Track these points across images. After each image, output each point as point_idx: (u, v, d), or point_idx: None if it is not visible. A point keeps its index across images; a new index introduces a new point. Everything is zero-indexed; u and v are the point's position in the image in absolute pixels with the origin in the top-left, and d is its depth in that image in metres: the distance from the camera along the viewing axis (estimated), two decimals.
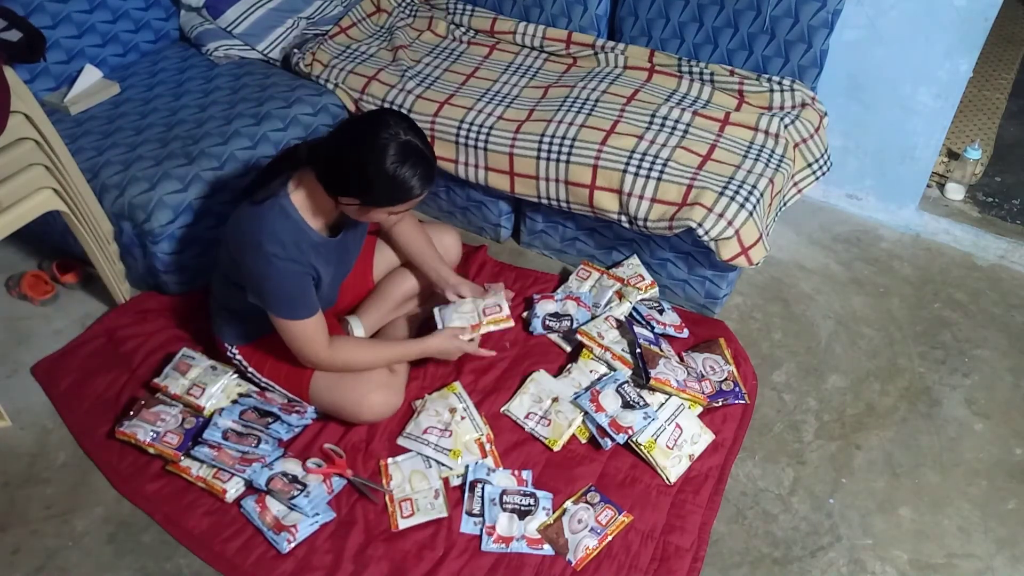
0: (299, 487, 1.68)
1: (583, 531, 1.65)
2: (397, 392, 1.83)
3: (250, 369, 1.84)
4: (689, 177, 1.97)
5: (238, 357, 1.84)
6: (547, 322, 2.06)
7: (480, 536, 1.66)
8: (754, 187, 1.95)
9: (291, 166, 1.60)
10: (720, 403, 1.90)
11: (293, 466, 1.73)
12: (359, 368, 1.75)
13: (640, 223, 2.02)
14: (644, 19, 2.33)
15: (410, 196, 1.52)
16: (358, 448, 1.82)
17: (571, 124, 2.10)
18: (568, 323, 2.05)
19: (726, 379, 1.94)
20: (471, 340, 1.85)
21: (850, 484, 1.81)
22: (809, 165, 2.21)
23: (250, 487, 1.71)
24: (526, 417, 1.88)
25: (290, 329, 1.61)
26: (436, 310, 1.90)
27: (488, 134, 2.15)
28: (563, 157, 2.06)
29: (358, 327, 1.91)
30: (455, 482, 1.76)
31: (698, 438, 1.82)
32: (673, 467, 1.77)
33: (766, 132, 2.11)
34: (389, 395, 1.79)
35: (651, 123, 2.11)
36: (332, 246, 1.67)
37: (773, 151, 2.06)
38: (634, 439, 1.77)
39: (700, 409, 1.88)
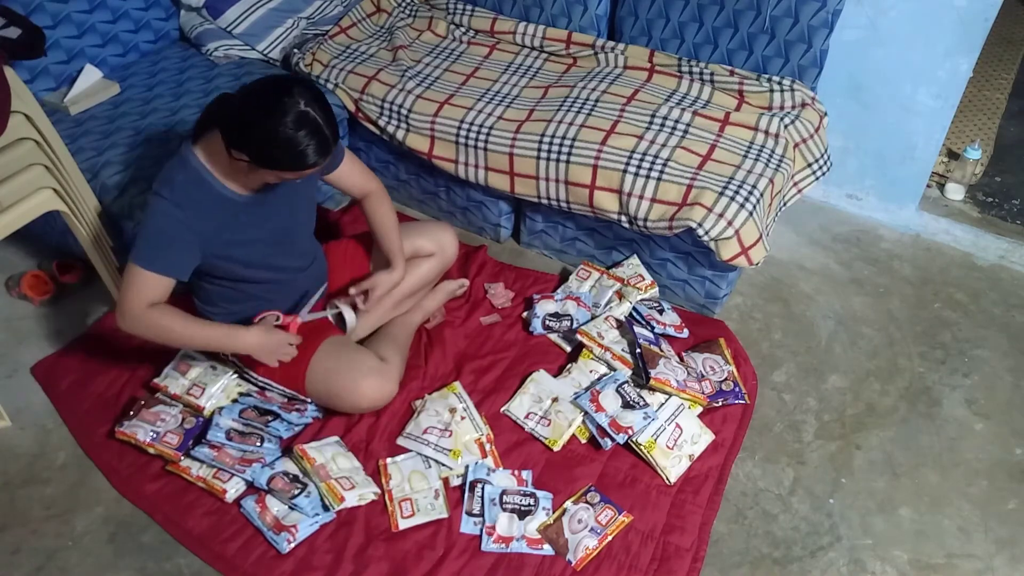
0: (299, 486, 1.68)
1: (583, 531, 1.65)
2: (390, 379, 1.82)
3: (244, 368, 1.84)
4: (689, 177, 1.97)
5: (232, 357, 1.84)
6: (547, 322, 2.06)
7: (480, 536, 1.66)
8: (754, 187, 1.95)
9: (207, 122, 1.58)
10: (720, 403, 1.90)
11: (293, 465, 1.73)
12: (164, 341, 1.62)
13: (640, 223, 2.02)
14: (644, 19, 2.33)
15: (299, 165, 1.48)
16: (358, 448, 1.82)
17: (571, 124, 2.10)
18: (568, 323, 2.05)
19: (726, 379, 1.94)
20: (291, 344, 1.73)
21: (850, 484, 1.81)
22: (809, 165, 2.21)
23: (251, 487, 1.71)
24: (526, 417, 1.88)
25: (130, 273, 1.54)
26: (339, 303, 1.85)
27: (488, 134, 2.15)
28: (563, 157, 2.06)
29: (348, 313, 1.84)
30: (455, 482, 1.76)
31: (698, 438, 1.82)
32: (673, 467, 1.77)
33: (766, 132, 2.11)
34: (382, 382, 1.79)
35: (651, 123, 2.11)
36: (260, 201, 1.63)
37: (773, 151, 2.06)
38: (634, 439, 1.77)
39: (700, 409, 1.88)
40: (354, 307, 1.84)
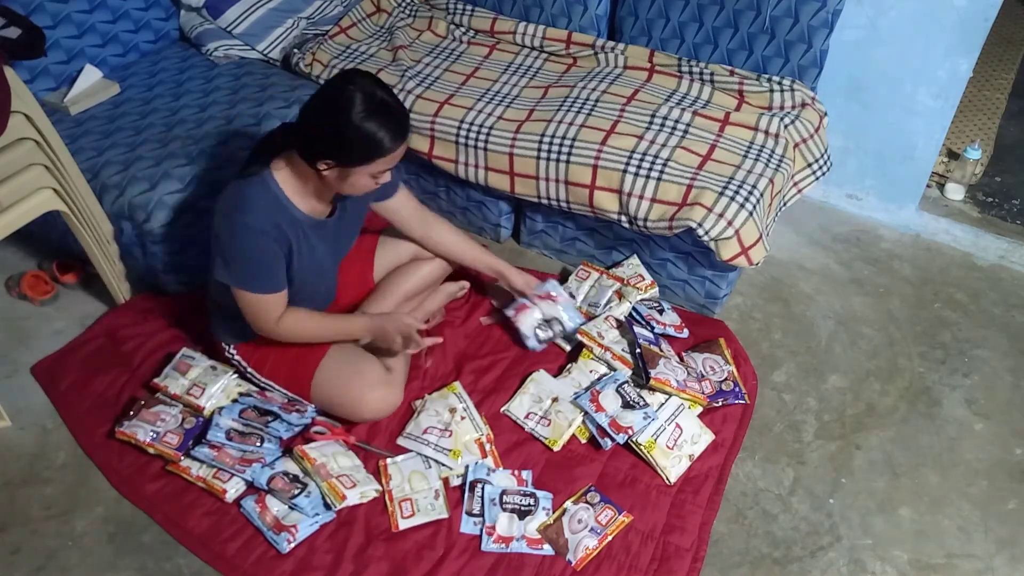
0: (300, 486, 1.68)
1: (583, 531, 1.65)
2: (395, 390, 1.83)
3: (249, 369, 1.84)
4: (689, 177, 1.97)
5: (236, 357, 1.84)
6: (539, 335, 2.02)
7: (480, 536, 1.66)
8: (754, 187, 1.95)
9: (275, 147, 1.61)
10: (720, 403, 1.90)
11: (294, 465, 1.73)
12: (305, 340, 1.73)
13: (640, 223, 2.02)
14: (644, 19, 2.33)
15: (382, 150, 1.50)
16: (358, 448, 1.81)
17: (571, 124, 2.10)
18: (559, 327, 2.02)
19: (726, 379, 1.94)
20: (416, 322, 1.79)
21: (850, 484, 1.81)
22: (809, 165, 2.21)
23: (250, 486, 1.71)
24: (526, 417, 1.88)
25: (247, 299, 1.60)
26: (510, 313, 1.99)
27: (488, 134, 2.15)
28: (563, 157, 2.06)
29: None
30: (455, 482, 1.76)
31: (698, 438, 1.82)
32: (673, 467, 1.77)
33: (766, 132, 2.11)
34: (388, 392, 1.80)
35: (651, 123, 2.11)
36: (321, 226, 1.67)
37: (773, 151, 2.06)
38: (634, 439, 1.77)
39: (700, 409, 1.88)
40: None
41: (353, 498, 1.68)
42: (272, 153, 1.60)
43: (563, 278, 2.26)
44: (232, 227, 1.55)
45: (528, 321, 2.01)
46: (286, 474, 1.69)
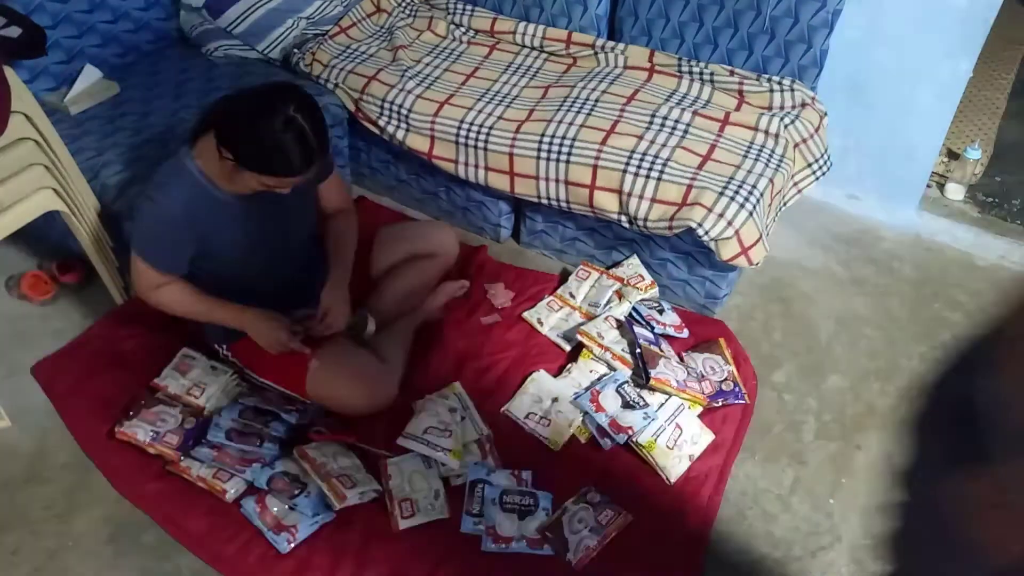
0: (300, 487, 1.68)
1: (583, 531, 1.65)
2: (390, 382, 1.84)
3: (245, 369, 1.84)
4: (689, 177, 1.97)
5: (232, 358, 1.84)
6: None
7: (480, 536, 1.66)
8: (754, 187, 1.95)
9: (204, 125, 1.59)
10: (720, 403, 1.90)
11: (294, 466, 1.73)
12: (174, 313, 1.75)
13: (640, 223, 2.02)
14: (644, 19, 2.33)
15: (280, 171, 1.49)
16: (358, 448, 1.81)
17: (571, 124, 2.10)
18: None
19: (726, 379, 1.94)
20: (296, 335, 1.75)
21: (850, 484, 1.81)
22: (809, 165, 2.21)
23: (250, 487, 1.71)
24: (526, 417, 1.88)
25: (135, 262, 1.64)
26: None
27: (488, 134, 2.15)
28: (563, 157, 2.06)
29: (371, 323, 1.91)
30: (455, 482, 1.76)
31: (698, 438, 1.82)
32: (673, 467, 1.77)
33: (766, 132, 2.11)
34: (382, 384, 1.81)
35: (651, 123, 2.11)
36: (250, 199, 1.63)
37: (773, 151, 2.06)
38: (634, 439, 1.77)
39: (700, 409, 1.88)
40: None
41: (353, 498, 1.68)
42: (199, 131, 1.59)
43: (563, 278, 2.26)
44: (142, 200, 1.60)
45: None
46: (286, 474, 1.69)
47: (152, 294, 1.68)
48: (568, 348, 2.06)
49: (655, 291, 2.16)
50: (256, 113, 1.46)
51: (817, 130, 2.17)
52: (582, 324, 2.03)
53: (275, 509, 1.66)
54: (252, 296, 1.75)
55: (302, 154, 1.48)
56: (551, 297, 2.18)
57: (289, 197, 1.69)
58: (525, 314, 2.14)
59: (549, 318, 2.12)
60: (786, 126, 2.13)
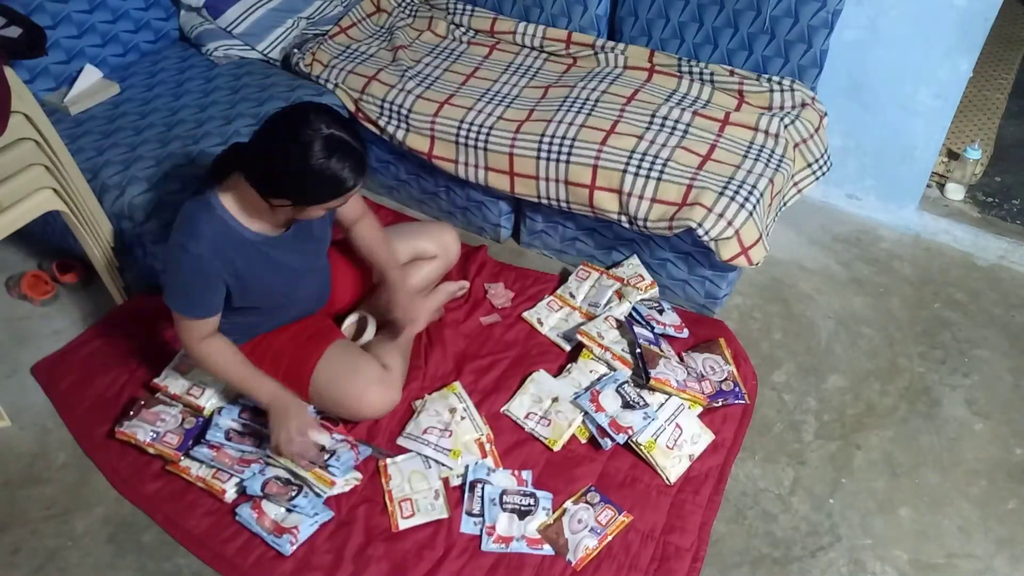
0: (295, 487, 1.68)
1: (583, 531, 1.65)
2: (393, 388, 1.83)
3: None
4: (689, 177, 1.97)
5: None
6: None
7: (480, 536, 1.66)
8: (754, 187, 1.95)
9: (225, 169, 1.57)
10: (720, 403, 1.90)
11: (281, 469, 1.72)
12: (213, 371, 1.68)
13: (640, 223, 2.02)
14: (644, 19, 2.33)
15: (342, 191, 1.47)
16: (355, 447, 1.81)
17: (571, 124, 2.10)
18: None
19: (726, 379, 1.94)
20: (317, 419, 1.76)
21: (850, 484, 1.81)
22: (809, 165, 2.21)
23: (243, 495, 1.71)
24: (526, 417, 1.88)
25: (175, 315, 1.62)
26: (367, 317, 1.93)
27: (488, 134, 2.15)
28: (563, 157, 2.06)
29: (372, 326, 1.93)
30: (455, 482, 1.76)
31: (698, 438, 1.82)
32: (673, 467, 1.77)
33: (766, 132, 2.11)
34: (385, 390, 1.80)
35: (651, 123, 2.11)
36: (279, 240, 1.64)
37: (773, 151, 2.06)
38: (634, 439, 1.77)
39: (700, 409, 1.88)
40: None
41: (340, 484, 1.70)
42: (221, 175, 1.57)
43: (563, 278, 2.26)
44: (172, 248, 1.55)
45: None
46: (278, 478, 1.69)
47: (198, 347, 1.64)
48: (568, 348, 2.06)
49: (655, 291, 2.16)
50: (294, 151, 1.41)
51: (817, 130, 2.17)
52: (582, 324, 2.03)
53: (273, 514, 1.66)
54: (278, 318, 1.78)
55: (355, 165, 1.46)
56: (551, 297, 2.18)
57: (316, 222, 1.70)
58: (525, 314, 2.14)
59: (549, 318, 2.12)
60: (786, 126, 2.13)
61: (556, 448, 1.82)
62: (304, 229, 1.69)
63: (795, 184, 2.21)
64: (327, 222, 1.79)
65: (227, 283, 1.59)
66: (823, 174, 2.24)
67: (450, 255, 2.06)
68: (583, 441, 1.84)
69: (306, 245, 1.73)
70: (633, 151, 2.02)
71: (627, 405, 1.81)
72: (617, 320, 2.02)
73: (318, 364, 1.78)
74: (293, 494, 1.66)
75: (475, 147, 2.17)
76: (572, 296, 2.17)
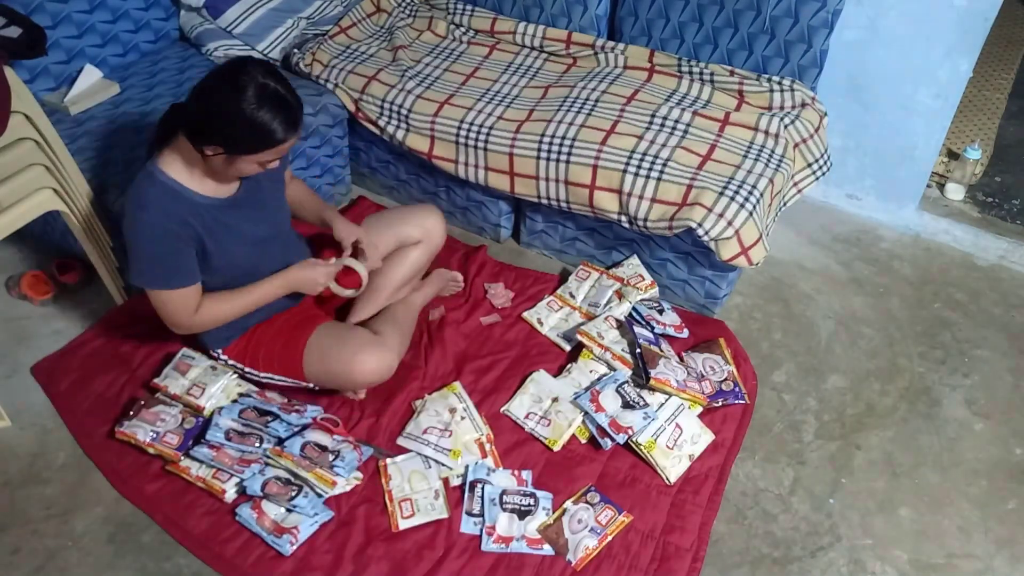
0: (295, 488, 1.68)
1: (583, 531, 1.65)
2: (387, 351, 1.78)
3: (246, 369, 1.84)
4: (689, 177, 1.97)
5: (230, 361, 1.84)
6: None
7: (480, 536, 1.66)
8: (754, 187, 1.95)
9: (165, 135, 1.57)
10: (720, 403, 1.90)
11: (281, 470, 1.73)
12: (224, 320, 1.68)
13: (640, 223, 2.02)
14: (644, 19, 2.33)
15: (272, 141, 1.47)
16: (358, 448, 1.81)
17: (571, 124, 2.10)
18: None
19: (726, 379, 1.94)
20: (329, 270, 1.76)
21: (850, 484, 1.81)
22: (809, 165, 2.21)
23: (243, 495, 1.71)
24: (526, 417, 1.88)
25: (161, 298, 1.58)
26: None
27: (488, 134, 2.15)
28: (563, 157, 2.06)
29: (360, 267, 1.87)
30: (455, 482, 1.76)
31: (698, 438, 1.82)
32: (673, 467, 1.77)
33: (766, 132, 2.11)
34: (380, 354, 1.76)
35: (651, 123, 2.11)
36: (233, 203, 1.63)
37: (773, 151, 2.06)
38: (634, 439, 1.77)
39: (700, 409, 1.88)
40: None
41: (342, 483, 1.70)
42: (162, 142, 1.56)
43: (563, 278, 2.26)
44: (132, 226, 1.54)
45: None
46: (278, 478, 1.69)
47: (194, 320, 1.62)
48: (568, 348, 2.06)
49: (655, 291, 2.16)
50: (226, 97, 1.43)
51: (817, 130, 2.17)
52: (582, 324, 2.03)
53: (273, 514, 1.66)
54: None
55: (287, 118, 1.47)
56: (551, 297, 2.18)
57: (265, 186, 1.69)
58: (525, 314, 2.14)
59: (549, 318, 2.12)
60: (786, 126, 2.13)
61: (556, 448, 1.82)
62: (254, 195, 1.68)
63: (795, 184, 2.21)
64: (277, 188, 1.78)
65: (192, 248, 1.57)
66: (823, 174, 2.24)
67: (434, 239, 2.01)
68: (583, 441, 1.85)
69: (262, 213, 1.71)
70: (633, 151, 2.02)
71: (627, 405, 1.81)
72: (617, 320, 2.02)
73: (308, 340, 1.76)
74: (293, 494, 1.66)
75: (475, 147, 2.17)
76: (572, 296, 2.17)
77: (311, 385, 1.82)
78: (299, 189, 1.90)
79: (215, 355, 1.85)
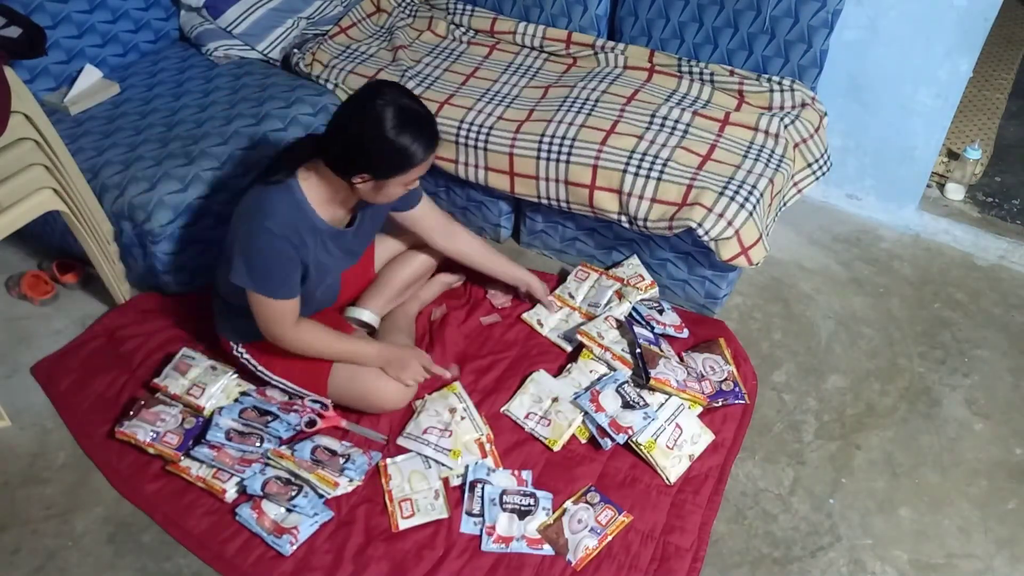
0: (296, 487, 1.68)
1: (583, 531, 1.65)
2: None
3: (260, 368, 1.84)
4: (689, 177, 1.97)
5: (245, 356, 1.84)
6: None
7: (480, 536, 1.66)
8: (754, 187, 1.95)
9: (301, 156, 1.62)
10: (720, 403, 1.90)
11: (282, 468, 1.73)
12: (313, 353, 1.74)
13: (640, 223, 2.02)
14: (644, 19, 2.33)
15: (416, 160, 1.54)
16: (367, 452, 1.81)
17: (571, 124, 2.10)
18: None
19: (726, 379, 1.94)
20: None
21: (850, 484, 1.81)
22: (809, 165, 2.21)
23: (243, 494, 1.71)
24: (526, 417, 1.88)
25: (263, 304, 1.61)
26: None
27: (488, 134, 2.15)
28: (563, 157, 2.06)
29: (370, 317, 1.96)
30: (455, 482, 1.76)
31: (698, 438, 1.82)
32: (673, 467, 1.77)
33: (766, 132, 2.11)
34: (404, 385, 1.83)
35: (651, 123, 2.11)
36: (340, 236, 1.70)
37: (773, 151, 2.06)
38: (634, 439, 1.77)
39: (700, 409, 1.88)
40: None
41: (344, 484, 1.70)
42: (298, 161, 1.61)
43: (562, 278, 2.26)
44: (254, 231, 1.56)
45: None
46: (278, 478, 1.69)
47: (292, 333, 1.65)
48: (569, 348, 2.06)
49: (655, 291, 2.16)
50: (368, 126, 1.48)
51: (817, 130, 2.17)
52: (582, 324, 2.03)
53: (273, 514, 1.66)
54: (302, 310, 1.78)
55: (428, 134, 1.53)
56: (550, 297, 2.18)
57: (367, 223, 1.78)
58: (524, 315, 2.14)
59: (549, 319, 2.11)
60: (786, 126, 2.13)
61: (556, 448, 1.82)
62: (359, 229, 1.75)
63: (795, 184, 2.21)
64: (379, 221, 1.86)
65: (300, 262, 1.63)
66: (823, 174, 2.24)
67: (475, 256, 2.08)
68: (583, 441, 1.85)
69: (357, 246, 1.80)
70: (633, 151, 2.02)
71: (627, 405, 1.81)
72: (617, 320, 2.02)
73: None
74: (293, 494, 1.66)
75: (475, 147, 2.17)
76: (571, 296, 2.17)
77: (322, 398, 1.82)
78: (472, 241, 2.00)
79: (232, 346, 1.84)
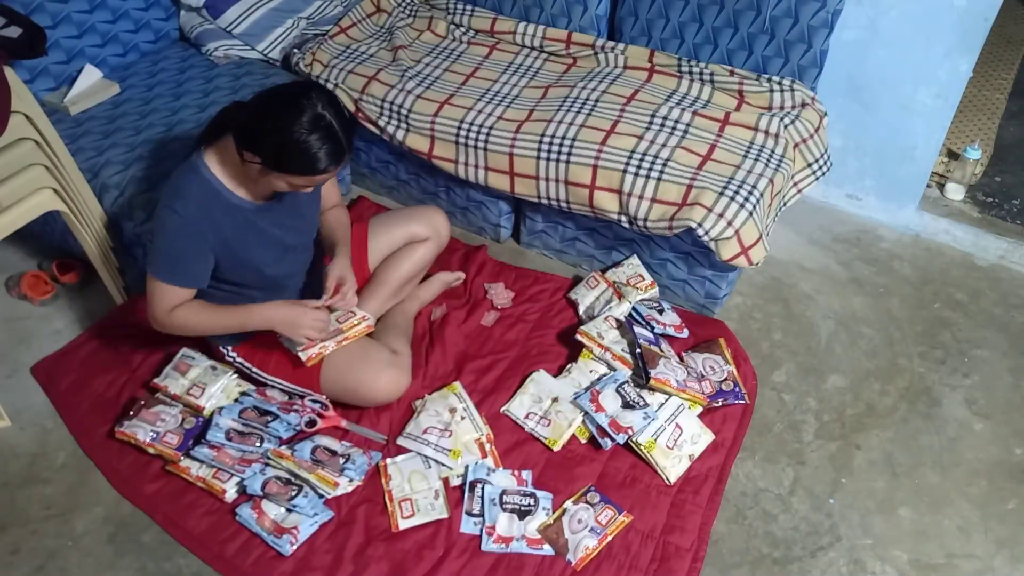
0: (296, 487, 1.68)
1: (583, 531, 1.65)
2: (405, 371, 1.85)
3: (253, 369, 1.84)
4: (689, 177, 1.97)
5: (238, 360, 1.84)
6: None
7: (480, 536, 1.66)
8: (754, 187, 1.95)
9: (213, 132, 1.58)
10: (720, 403, 1.90)
11: (285, 468, 1.73)
12: (193, 332, 1.68)
13: (640, 223, 2.02)
14: (644, 19, 2.33)
15: (311, 169, 1.48)
16: (367, 452, 1.81)
17: (571, 124, 2.10)
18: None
19: (726, 379, 1.94)
20: (321, 319, 1.69)
21: (850, 484, 1.81)
22: (809, 165, 2.21)
23: (243, 494, 1.71)
24: (526, 417, 1.88)
25: (151, 284, 1.58)
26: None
27: (488, 134, 2.15)
28: (563, 157, 2.06)
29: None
30: (455, 482, 1.76)
31: (698, 438, 1.82)
32: (673, 467, 1.77)
33: (766, 132, 2.11)
34: (397, 374, 1.82)
35: (651, 123, 2.11)
36: (267, 211, 1.64)
37: (773, 151, 2.06)
38: (634, 439, 1.77)
39: (700, 409, 1.88)
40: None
41: (344, 484, 1.70)
42: (217, 132, 1.58)
43: (574, 283, 2.25)
44: (159, 212, 1.55)
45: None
46: (278, 478, 1.69)
47: (168, 318, 1.61)
48: (568, 348, 2.05)
49: (655, 291, 2.16)
50: (282, 114, 1.45)
51: (817, 130, 2.17)
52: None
53: (273, 514, 1.66)
54: (255, 301, 1.73)
55: (332, 151, 1.48)
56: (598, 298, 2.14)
57: (303, 198, 1.71)
58: (581, 330, 1.97)
59: (608, 332, 1.99)
60: (786, 126, 2.13)
61: (556, 448, 1.82)
62: (291, 202, 1.69)
63: (795, 184, 2.21)
64: (314, 203, 1.80)
65: (215, 252, 1.59)
66: (823, 174, 2.24)
67: (442, 237, 2.07)
68: (583, 441, 1.85)
69: (294, 221, 1.72)
70: (633, 151, 2.02)
71: (627, 405, 1.81)
72: (617, 320, 2.02)
73: (327, 356, 1.77)
74: (293, 494, 1.66)
75: (475, 147, 2.17)
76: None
77: (321, 397, 1.82)
78: (338, 217, 1.89)
79: (223, 352, 1.84)
